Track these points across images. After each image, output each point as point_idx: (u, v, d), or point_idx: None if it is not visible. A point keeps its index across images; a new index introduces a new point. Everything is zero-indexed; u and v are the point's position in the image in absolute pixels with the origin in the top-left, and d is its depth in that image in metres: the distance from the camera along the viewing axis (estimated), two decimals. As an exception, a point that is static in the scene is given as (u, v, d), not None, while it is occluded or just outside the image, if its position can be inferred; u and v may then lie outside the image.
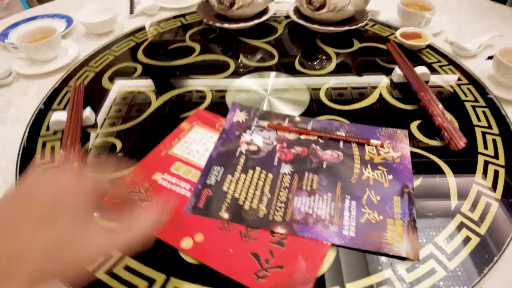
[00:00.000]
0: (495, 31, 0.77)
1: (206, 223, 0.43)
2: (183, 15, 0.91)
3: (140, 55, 0.76)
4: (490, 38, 0.75)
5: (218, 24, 0.80)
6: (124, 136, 0.56)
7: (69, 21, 0.90)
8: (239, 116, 0.59)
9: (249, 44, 0.79)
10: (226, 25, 0.80)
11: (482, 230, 0.43)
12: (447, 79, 0.68)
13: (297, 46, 0.79)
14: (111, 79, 0.69)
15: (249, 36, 0.81)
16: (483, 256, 0.40)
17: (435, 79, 0.67)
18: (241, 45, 0.79)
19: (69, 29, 0.86)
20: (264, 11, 0.85)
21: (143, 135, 0.56)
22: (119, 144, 0.55)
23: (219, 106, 0.62)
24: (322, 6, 0.77)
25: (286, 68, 0.71)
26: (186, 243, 0.41)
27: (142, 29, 0.86)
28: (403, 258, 0.40)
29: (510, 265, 0.40)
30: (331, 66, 0.72)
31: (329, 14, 0.78)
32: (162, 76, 0.70)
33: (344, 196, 0.46)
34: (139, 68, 0.72)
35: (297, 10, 0.86)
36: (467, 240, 0.42)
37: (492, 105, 0.61)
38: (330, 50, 0.77)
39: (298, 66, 0.72)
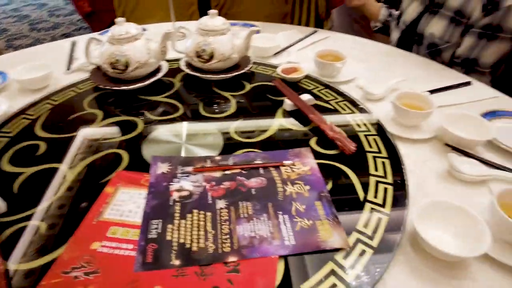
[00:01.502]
0: (401, 77, 0.90)
1: (160, 275, 0.44)
2: (74, 85, 0.90)
3: (39, 131, 0.73)
4: (396, 82, 0.88)
5: (116, 88, 0.82)
6: (47, 215, 0.53)
7: (4, 77, 0.91)
8: (162, 168, 0.62)
9: (151, 100, 0.83)
10: (124, 87, 0.83)
11: (387, 209, 0.54)
12: (326, 100, 0.83)
13: (197, 95, 0.86)
14: (13, 161, 0.65)
15: (149, 94, 0.85)
16: (393, 227, 0.50)
17: (317, 102, 0.82)
18: (143, 102, 0.82)
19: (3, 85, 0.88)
20: (158, 69, 0.90)
21: (67, 209, 0.54)
22: (43, 226, 0.52)
23: (139, 163, 0.63)
24: (211, 57, 0.87)
25: (194, 116, 0.77)
26: (146, 300, 0.42)
27: (34, 104, 0.82)
28: (337, 249, 0.47)
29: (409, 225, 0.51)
30: (233, 107, 0.81)
31: (218, 63, 0.88)
32: (69, 147, 0.68)
33: (277, 213, 0.53)
34: (43, 145, 0.69)
35: (188, 64, 0.94)
36: (379, 220, 0.52)
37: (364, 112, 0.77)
38: (227, 94, 0.86)
39: (203, 112, 0.79)
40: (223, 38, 0.88)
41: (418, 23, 1.12)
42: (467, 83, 0.93)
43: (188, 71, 0.91)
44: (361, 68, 0.98)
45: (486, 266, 0.47)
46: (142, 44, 0.83)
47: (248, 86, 0.90)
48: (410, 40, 1.16)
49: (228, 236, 0.49)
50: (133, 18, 1.25)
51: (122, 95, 0.85)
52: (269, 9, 1.56)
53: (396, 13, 1.27)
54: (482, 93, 0.88)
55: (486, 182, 0.61)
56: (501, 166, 0.63)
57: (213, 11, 0.89)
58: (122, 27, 0.82)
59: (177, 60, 0.97)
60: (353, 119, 0.76)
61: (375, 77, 0.92)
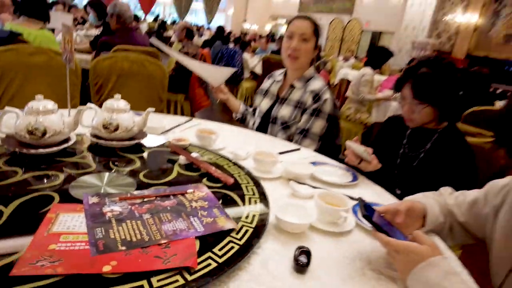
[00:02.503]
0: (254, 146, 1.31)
1: (113, 256, 0.63)
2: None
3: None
4: (253, 149, 1.21)
5: (33, 151, 0.96)
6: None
7: None
8: (93, 199, 0.80)
9: (66, 161, 0.99)
10: (41, 150, 0.98)
11: (258, 210, 0.85)
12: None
13: (104, 158, 1.07)
14: None
15: (62, 156, 1.01)
16: (263, 217, 0.82)
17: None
18: (60, 163, 0.98)
19: None
20: (69, 138, 1.08)
21: (15, 228, 0.67)
22: (-3, 240, 0.63)
23: (69, 201, 0.80)
24: (116, 129, 1.11)
25: (107, 168, 0.98)
26: (107, 268, 0.60)
27: None
28: (231, 230, 0.75)
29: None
30: (138, 163, 1.04)
31: (122, 134, 1.12)
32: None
33: (189, 217, 0.78)
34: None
35: (94, 135, 1.14)
36: (254, 215, 0.82)
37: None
38: (131, 156, 1.10)
39: (113, 167, 1.00)
40: (126, 115, 1.14)
41: (271, 111, 1.64)
42: (298, 149, 1.42)
43: (94, 140, 1.12)
44: (230, 141, 1.37)
45: (313, 232, 0.82)
46: (57, 116, 1.02)
47: (147, 150, 1.16)
48: (267, 122, 1.65)
49: (157, 231, 0.71)
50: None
51: (36, 157, 0.98)
52: (145, 108, 1.90)
53: (250, 109, 1.79)
54: (309, 153, 1.37)
55: (312, 197, 0.99)
56: (317, 187, 1.04)
57: (117, 95, 1.16)
58: (41, 102, 1.01)
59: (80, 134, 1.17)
60: (230, 168, 1.10)
61: (239, 146, 1.31)
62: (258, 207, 0.87)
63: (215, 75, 1.66)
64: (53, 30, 3.31)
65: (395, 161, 1.38)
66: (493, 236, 0.86)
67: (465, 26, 9.45)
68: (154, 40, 1.75)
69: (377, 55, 3.61)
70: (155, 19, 16.63)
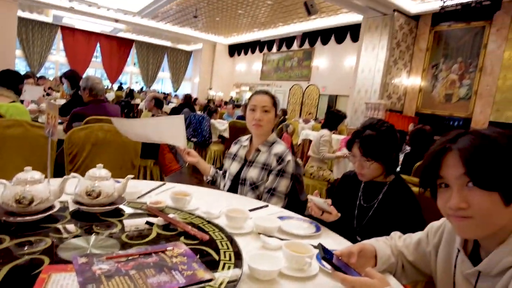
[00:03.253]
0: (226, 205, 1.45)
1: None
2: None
3: None
4: (224, 207, 1.34)
5: (19, 219, 1.03)
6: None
7: None
8: (82, 260, 0.87)
9: (51, 226, 1.06)
10: (28, 218, 1.04)
11: (232, 261, 0.95)
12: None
13: (87, 223, 1.14)
14: None
15: (47, 222, 1.08)
16: (237, 266, 0.92)
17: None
18: (45, 229, 1.04)
19: None
20: (53, 205, 1.16)
21: (11, 291, 0.73)
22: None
23: (60, 263, 0.87)
24: (98, 195, 1.20)
25: (91, 232, 1.05)
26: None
27: None
28: (210, 280, 0.84)
29: None
30: (119, 226, 1.13)
31: (104, 199, 1.21)
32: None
33: (171, 271, 0.87)
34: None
35: (77, 201, 1.22)
36: (229, 265, 0.93)
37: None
38: (112, 219, 1.18)
39: (97, 230, 1.08)
40: (107, 182, 1.24)
41: (240, 173, 1.78)
42: (266, 206, 1.55)
43: (77, 206, 1.19)
44: (203, 202, 1.48)
45: (283, 279, 0.93)
46: (44, 185, 1.11)
47: (126, 214, 1.24)
48: (237, 184, 1.79)
49: (143, 284, 0.80)
50: None
51: (22, 224, 1.05)
52: (118, 174, 1.99)
53: (220, 172, 1.94)
54: (276, 208, 1.50)
55: (281, 248, 1.11)
56: (285, 238, 1.17)
57: (99, 165, 1.27)
58: (28, 173, 1.10)
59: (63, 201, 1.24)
60: (205, 226, 1.20)
61: (212, 206, 1.43)
62: (233, 259, 0.97)
63: (171, 131, 1.74)
64: (22, 102, 3.40)
65: (354, 212, 1.55)
66: (436, 271, 1.00)
67: (411, 87, 10.50)
68: (115, 121, 1.78)
69: (332, 119, 3.97)
70: (120, 88, 17.07)
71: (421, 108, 10.30)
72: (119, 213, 1.25)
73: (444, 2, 8.95)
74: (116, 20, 15.24)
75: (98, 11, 14.31)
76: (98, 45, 19.44)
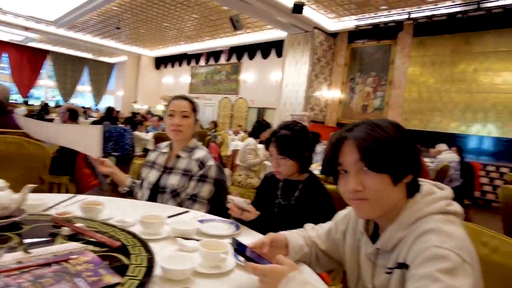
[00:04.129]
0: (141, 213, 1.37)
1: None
2: None
3: None
4: (140, 215, 1.31)
5: None
6: None
7: None
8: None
9: None
10: None
11: (144, 263, 0.92)
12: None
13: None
14: None
15: None
16: (148, 271, 0.89)
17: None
18: None
19: None
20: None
21: None
22: None
23: None
24: (-10, 207, 1.08)
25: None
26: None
27: None
28: (117, 283, 0.80)
29: None
30: (16, 239, 1.02)
31: (-3, 212, 1.09)
32: None
33: (73, 279, 0.81)
34: None
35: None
36: (139, 269, 0.89)
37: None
38: (9, 234, 1.06)
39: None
40: (2, 193, 1.12)
41: (160, 181, 1.73)
42: (187, 211, 1.53)
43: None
44: (118, 211, 1.41)
45: (198, 277, 0.92)
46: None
47: (27, 227, 1.13)
48: (156, 193, 1.73)
49: (38, 295, 0.73)
50: None
51: None
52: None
53: (138, 181, 1.86)
54: (198, 213, 1.48)
55: (197, 249, 1.10)
56: (203, 239, 1.16)
57: (-8, 174, 1.14)
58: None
59: None
60: (117, 233, 1.14)
61: (128, 215, 1.36)
62: (145, 263, 0.94)
63: (85, 140, 1.66)
64: None
65: (273, 210, 1.60)
66: (344, 256, 1.07)
67: (332, 100, 11.26)
68: (18, 117, 1.69)
69: (258, 127, 4.09)
70: (26, 102, 15.58)
71: (341, 118, 11.08)
72: (17, 227, 1.12)
73: (357, 21, 9.86)
74: (26, 28, 13.99)
75: (4, 17, 13.02)
76: (6, 55, 17.57)
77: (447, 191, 0.90)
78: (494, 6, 7.88)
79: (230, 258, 1.03)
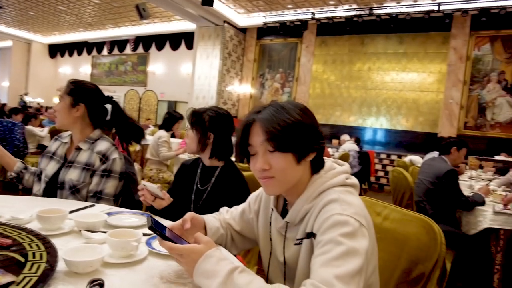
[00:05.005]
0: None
1: None
2: None
3: None
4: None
5: None
6: None
7: None
8: None
9: None
10: None
11: (44, 259, 0.83)
12: None
13: None
14: None
15: None
16: (51, 267, 0.81)
17: None
18: None
19: None
20: None
21: None
22: None
23: None
24: None
25: None
26: None
27: None
28: (10, 283, 0.71)
29: None
30: None
31: None
32: None
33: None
34: None
35: None
36: (38, 266, 0.80)
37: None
38: None
39: None
40: None
41: (58, 175, 1.56)
42: (93, 205, 1.42)
43: None
44: (9, 209, 1.25)
45: (108, 268, 0.87)
46: None
47: None
48: (55, 187, 1.55)
49: None
50: None
51: None
52: None
53: (33, 169, 1.66)
54: (105, 206, 1.39)
55: (105, 240, 1.03)
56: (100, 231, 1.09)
57: None
58: None
59: None
60: (8, 232, 1.01)
61: (22, 211, 1.22)
62: (44, 258, 0.85)
63: None
64: None
65: (191, 197, 1.59)
66: (258, 234, 1.12)
67: (243, 94, 11.51)
68: None
69: (169, 119, 3.97)
70: None
71: (253, 113, 11.42)
72: None
73: (265, 18, 10.20)
74: None
75: None
76: None
77: (346, 166, 1.00)
78: (383, 13, 8.91)
79: (143, 246, 0.99)
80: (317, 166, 0.96)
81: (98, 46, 15.12)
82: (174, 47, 12.77)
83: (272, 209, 1.04)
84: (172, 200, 1.35)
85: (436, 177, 2.59)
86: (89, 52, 15.61)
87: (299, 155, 0.89)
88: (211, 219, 1.12)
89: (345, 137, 6.65)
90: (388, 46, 9.50)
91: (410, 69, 9.25)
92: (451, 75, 8.74)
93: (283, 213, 1.01)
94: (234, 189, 1.54)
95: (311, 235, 0.88)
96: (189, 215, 1.02)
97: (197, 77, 11.01)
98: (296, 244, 0.94)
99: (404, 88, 9.31)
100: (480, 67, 8.55)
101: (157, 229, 0.84)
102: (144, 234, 1.08)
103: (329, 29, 9.85)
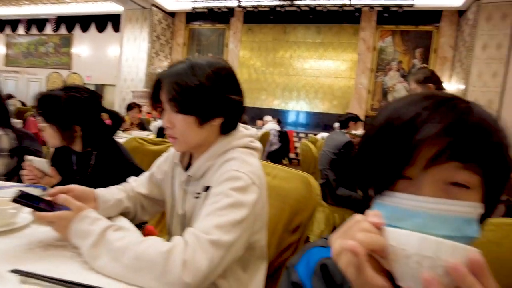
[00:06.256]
0: None
1: None
2: None
3: None
4: None
5: None
6: None
7: None
8: None
9: None
10: None
11: None
12: None
13: None
14: None
15: None
16: None
17: None
18: None
19: None
20: None
21: None
22: None
23: None
24: None
25: None
26: None
27: None
28: None
29: None
30: None
31: None
32: None
33: None
34: None
35: None
36: None
37: None
38: None
39: None
40: None
41: None
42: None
43: None
44: None
45: None
46: None
47: None
48: None
49: None
50: None
51: None
52: None
53: None
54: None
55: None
56: None
57: None
58: None
59: None
60: None
61: None
62: None
63: None
64: None
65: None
66: (166, 193, 1.07)
67: (173, 79, 11.10)
68: None
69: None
70: None
71: (183, 96, 11.11)
72: None
73: (194, 3, 9.87)
74: None
75: None
76: None
77: (253, 131, 1.01)
78: (303, 4, 9.16)
79: (26, 214, 0.91)
80: (227, 129, 0.94)
81: (12, 24, 13.31)
82: (100, 29, 11.77)
83: (177, 164, 1.02)
84: (61, 178, 1.23)
85: (337, 148, 2.79)
86: (1, 30, 13.70)
87: (201, 118, 0.87)
88: (112, 192, 1.03)
89: (267, 118, 6.82)
90: (307, 35, 9.84)
91: (326, 57, 9.72)
92: (360, 64, 9.39)
93: (188, 168, 0.99)
94: (116, 169, 1.35)
95: (208, 189, 0.88)
96: (67, 187, 0.91)
97: (124, 59, 10.32)
98: (195, 197, 0.93)
99: (321, 75, 9.77)
100: (384, 57, 9.31)
101: (24, 201, 0.77)
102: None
103: (255, 17, 9.87)
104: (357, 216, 0.41)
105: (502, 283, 0.65)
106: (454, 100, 0.44)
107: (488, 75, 7.68)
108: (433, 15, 8.82)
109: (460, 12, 8.61)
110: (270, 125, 6.28)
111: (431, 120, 0.42)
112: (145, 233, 1.54)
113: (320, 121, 9.71)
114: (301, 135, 8.95)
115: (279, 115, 9.22)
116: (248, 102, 10.14)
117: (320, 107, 9.83)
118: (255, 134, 1.01)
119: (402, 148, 0.43)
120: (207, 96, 0.86)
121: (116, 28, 11.13)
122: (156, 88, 0.91)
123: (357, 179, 0.50)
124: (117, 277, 0.68)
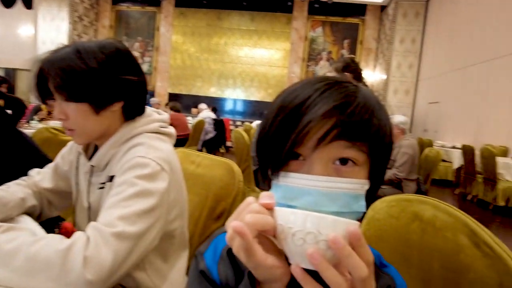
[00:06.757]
0: None
1: None
2: None
3: None
4: None
5: None
6: None
7: None
8: None
9: None
10: None
11: None
12: None
13: None
14: None
15: None
16: None
17: None
18: None
19: None
20: None
21: None
22: None
23: None
24: None
25: None
26: None
27: None
28: None
29: None
30: None
31: None
32: None
33: None
34: None
35: None
36: None
37: None
38: None
39: None
40: None
41: None
42: None
43: None
44: None
45: None
46: None
47: None
48: None
49: None
50: None
51: None
52: None
53: None
54: None
55: None
56: None
57: None
58: None
59: None
60: None
61: None
62: None
63: None
64: None
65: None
66: (72, 185, 0.98)
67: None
68: None
69: None
70: None
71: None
72: None
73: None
74: None
75: None
76: None
77: (165, 116, 0.95)
78: (236, -10, 9.09)
79: None
80: (132, 114, 0.87)
81: None
82: (7, 4, 10.38)
83: (80, 153, 0.93)
84: None
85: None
86: None
87: (96, 105, 0.79)
88: (12, 191, 0.90)
89: (202, 106, 6.71)
90: (242, 22, 9.82)
91: (260, 45, 9.82)
92: (293, 53, 9.66)
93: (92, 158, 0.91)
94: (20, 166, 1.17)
95: (112, 178, 0.81)
96: None
97: (41, 41, 9.31)
98: (99, 188, 0.86)
99: (256, 63, 9.86)
100: (315, 46, 9.69)
101: None
102: None
103: (187, 1, 9.56)
104: (249, 199, 0.41)
105: (398, 251, 0.73)
106: (344, 83, 0.47)
107: (405, 67, 8.47)
108: (359, 8, 9.39)
109: (382, 7, 9.29)
110: (205, 113, 6.17)
111: (320, 101, 0.43)
112: (62, 231, 1.42)
113: (256, 110, 9.83)
114: (238, 123, 8.99)
115: (216, 103, 9.13)
116: (183, 89, 10.03)
117: (256, 95, 9.95)
118: (166, 119, 0.95)
119: (293, 128, 0.43)
120: (98, 79, 0.78)
121: (28, 5, 9.91)
122: (41, 77, 0.81)
123: (258, 161, 0.51)
124: (9, 284, 0.60)
